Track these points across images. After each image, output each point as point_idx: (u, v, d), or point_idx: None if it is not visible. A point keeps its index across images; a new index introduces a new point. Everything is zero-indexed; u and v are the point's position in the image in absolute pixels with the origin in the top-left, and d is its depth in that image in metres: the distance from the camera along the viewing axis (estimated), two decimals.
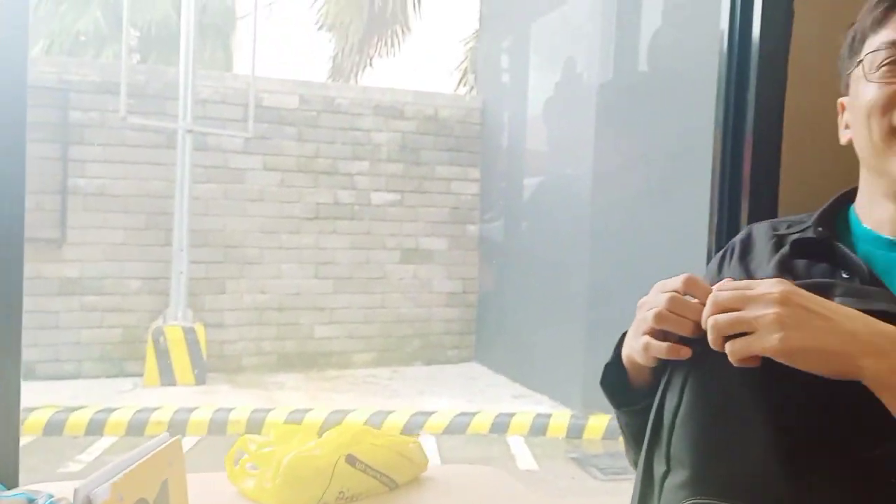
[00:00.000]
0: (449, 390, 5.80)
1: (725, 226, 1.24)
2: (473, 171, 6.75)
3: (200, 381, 5.57)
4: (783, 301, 0.60)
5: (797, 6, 1.04)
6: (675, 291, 0.69)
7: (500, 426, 4.92)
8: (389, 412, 4.95)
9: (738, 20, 1.14)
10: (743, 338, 0.61)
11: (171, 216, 5.76)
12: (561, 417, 5.03)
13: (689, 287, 0.69)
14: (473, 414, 5.00)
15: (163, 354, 5.52)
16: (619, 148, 5.26)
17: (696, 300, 0.68)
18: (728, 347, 0.61)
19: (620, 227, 5.27)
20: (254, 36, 6.26)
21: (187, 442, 4.49)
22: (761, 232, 0.88)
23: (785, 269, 0.79)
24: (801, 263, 0.79)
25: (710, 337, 0.63)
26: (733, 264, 0.88)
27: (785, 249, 0.79)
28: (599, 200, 5.31)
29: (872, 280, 0.73)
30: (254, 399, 5.22)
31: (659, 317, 0.69)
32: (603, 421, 4.93)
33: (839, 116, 0.85)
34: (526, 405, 5.35)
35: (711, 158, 1.28)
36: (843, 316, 0.60)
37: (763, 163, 1.14)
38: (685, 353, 0.67)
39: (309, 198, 6.29)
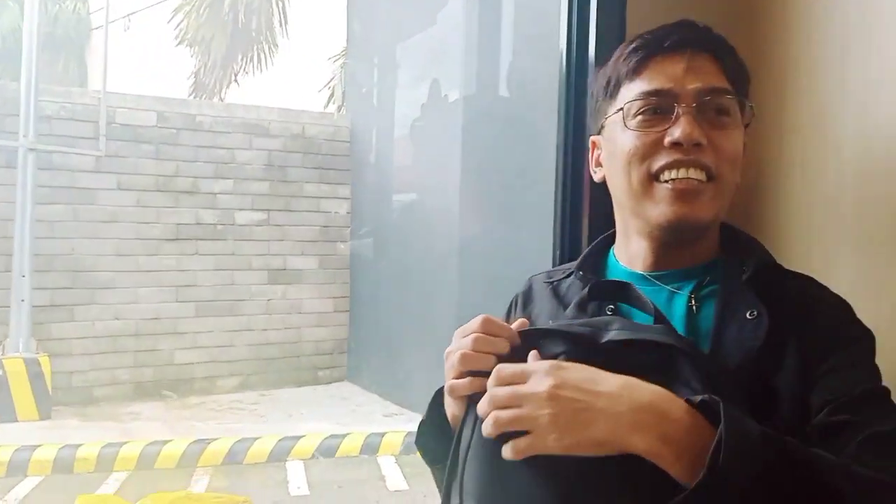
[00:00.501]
0: (319, 412, 5.69)
1: (568, 239, 1.29)
2: (343, 189, 6.70)
3: (45, 415, 5.16)
4: (552, 398, 0.64)
5: (629, 26, 1.10)
6: (476, 333, 0.74)
7: (371, 447, 4.88)
8: (255, 439, 4.79)
9: (575, 39, 1.20)
10: (524, 438, 0.65)
11: (11, 240, 5.32)
12: None
13: (488, 327, 0.74)
14: (343, 436, 4.93)
15: (2, 388, 5.07)
16: (482, 164, 5.39)
17: (495, 337, 0.73)
18: (512, 448, 0.65)
19: (485, 240, 5.40)
20: (105, 48, 5.96)
21: (29, 483, 4.14)
22: (539, 283, 0.94)
23: (581, 310, 0.83)
24: (593, 305, 0.83)
25: (490, 430, 0.67)
26: (518, 314, 0.93)
27: (584, 292, 0.83)
28: (466, 215, 5.42)
29: (658, 314, 0.77)
30: (105, 432, 4.89)
31: (464, 358, 0.73)
32: None
33: (590, 154, 0.89)
34: (398, 423, 5.34)
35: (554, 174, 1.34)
36: (608, 399, 0.65)
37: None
38: (484, 384, 0.70)
39: (168, 218, 6.01)
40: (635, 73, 0.81)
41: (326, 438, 4.86)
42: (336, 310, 6.65)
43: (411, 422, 5.35)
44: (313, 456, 4.71)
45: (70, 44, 9.76)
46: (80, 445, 4.52)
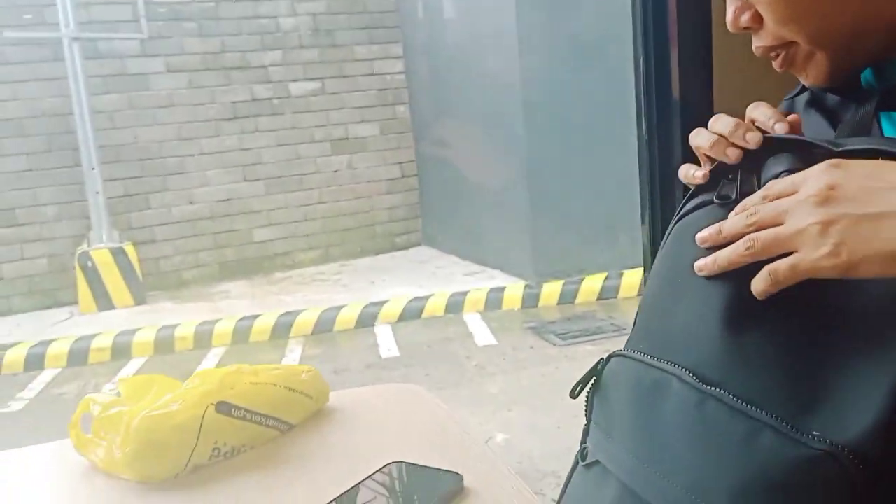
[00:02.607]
0: (400, 277, 5.71)
1: (654, 78, 1.11)
2: (395, 48, 6.35)
3: (140, 301, 5.35)
4: (825, 202, 0.48)
5: None
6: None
7: (455, 306, 4.87)
8: (341, 307, 4.85)
9: None
10: (784, 261, 0.49)
11: (74, 134, 5.31)
12: (515, 289, 5.00)
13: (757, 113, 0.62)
14: (427, 297, 4.93)
15: (94, 279, 5.25)
16: (545, 8, 4.94)
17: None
18: (766, 277, 0.50)
19: (552, 87, 5.05)
20: None
21: (134, 364, 4.34)
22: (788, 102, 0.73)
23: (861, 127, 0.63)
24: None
25: (735, 258, 0.52)
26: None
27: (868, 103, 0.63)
28: (529, 65, 5.05)
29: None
30: (199, 312, 5.05)
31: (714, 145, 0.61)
32: (557, 287, 4.92)
33: None
34: (479, 282, 5.31)
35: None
36: None
37: None
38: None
39: (223, 97, 5.86)
40: None
41: (411, 301, 4.88)
42: (404, 175, 6.51)
43: (492, 279, 5.31)
44: (399, 319, 4.75)
45: None
46: (176, 325, 4.69)
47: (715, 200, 0.60)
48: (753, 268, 0.52)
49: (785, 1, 0.59)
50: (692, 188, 0.63)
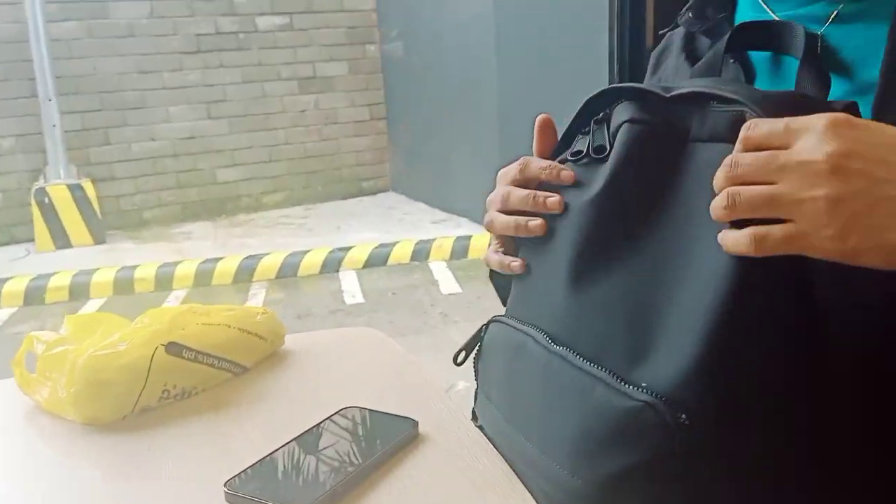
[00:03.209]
0: (367, 222, 5.67)
1: (628, 29, 1.09)
2: None
3: (99, 239, 5.23)
4: (836, 172, 0.41)
5: None
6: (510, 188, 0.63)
7: (421, 253, 4.86)
8: (305, 252, 4.80)
9: None
10: (779, 226, 0.43)
11: (30, 63, 5.09)
12: (482, 238, 5.00)
13: (527, 173, 0.63)
14: (393, 244, 4.91)
15: (51, 216, 5.11)
16: None
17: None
18: (752, 236, 0.43)
19: (526, 32, 4.97)
20: None
21: (92, 305, 4.27)
22: (678, 35, 0.71)
23: (711, 67, 0.61)
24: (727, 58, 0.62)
25: (721, 212, 0.45)
26: (648, 80, 0.74)
27: (719, 41, 0.61)
28: (503, 6, 4.94)
29: (809, 53, 0.55)
30: (160, 253, 4.96)
31: (494, 225, 0.68)
32: None
33: None
34: (447, 229, 5.29)
35: None
36: None
37: None
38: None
39: (186, 29, 5.64)
40: None
41: (376, 248, 4.85)
42: (373, 117, 6.40)
43: (459, 227, 5.29)
44: (364, 265, 4.73)
45: None
46: (136, 266, 4.60)
47: (569, 158, 0.59)
48: (598, 220, 0.53)
49: None
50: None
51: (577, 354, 0.52)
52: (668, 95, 0.53)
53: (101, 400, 0.66)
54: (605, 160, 0.54)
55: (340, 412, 0.66)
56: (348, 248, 4.84)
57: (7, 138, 5.28)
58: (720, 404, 0.46)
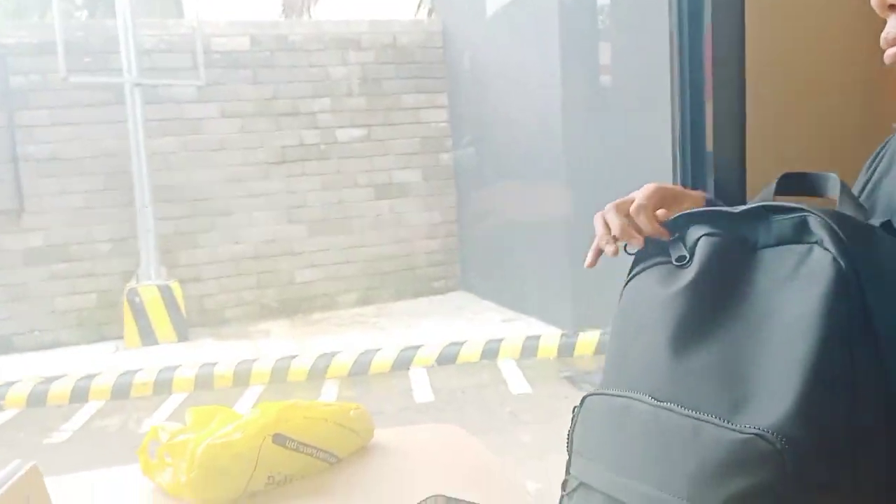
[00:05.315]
0: (437, 321, 5.75)
1: (689, 132, 1.15)
2: (440, 98, 6.52)
3: (182, 337, 5.48)
4: None
5: None
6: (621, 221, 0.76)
7: (491, 352, 4.89)
8: (377, 350, 4.90)
9: None
10: None
11: (130, 174, 5.55)
12: (551, 337, 5.00)
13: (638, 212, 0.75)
14: (462, 343, 4.96)
15: (140, 315, 5.41)
16: (586, 62, 5.05)
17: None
18: None
19: (593, 140, 5.12)
20: None
21: (175, 400, 4.43)
22: None
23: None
24: None
25: None
26: (863, 174, 0.80)
27: None
28: (570, 116, 5.14)
29: None
30: (239, 350, 5.15)
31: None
32: (594, 336, 4.91)
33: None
34: (516, 328, 5.32)
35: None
36: None
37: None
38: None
39: (273, 141, 6.07)
40: None
41: (447, 346, 4.91)
42: (444, 220, 6.61)
43: (529, 326, 5.31)
44: (434, 364, 4.78)
45: None
46: (216, 363, 4.79)
47: (674, 263, 0.69)
48: (692, 304, 0.64)
49: None
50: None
51: (683, 406, 0.61)
52: (736, 212, 0.66)
53: (216, 484, 0.74)
54: (687, 265, 0.67)
55: (426, 500, 0.72)
56: (418, 347, 4.92)
57: (105, 243, 5.69)
58: (818, 439, 0.55)
